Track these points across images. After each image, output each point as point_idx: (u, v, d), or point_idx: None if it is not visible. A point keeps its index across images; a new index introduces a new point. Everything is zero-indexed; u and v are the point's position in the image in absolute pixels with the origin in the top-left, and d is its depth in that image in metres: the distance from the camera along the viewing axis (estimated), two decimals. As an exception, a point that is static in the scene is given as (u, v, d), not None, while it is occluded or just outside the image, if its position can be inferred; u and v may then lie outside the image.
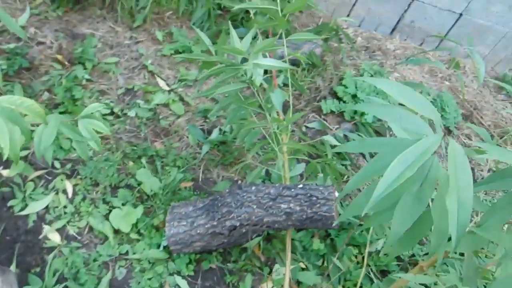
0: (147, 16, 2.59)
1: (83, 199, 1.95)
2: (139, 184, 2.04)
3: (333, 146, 2.41)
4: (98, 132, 2.07)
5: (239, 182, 1.78)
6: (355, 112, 2.54)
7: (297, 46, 2.70)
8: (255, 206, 1.64)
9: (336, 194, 1.65)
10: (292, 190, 1.66)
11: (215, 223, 1.71)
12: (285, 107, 2.59)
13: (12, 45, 2.30)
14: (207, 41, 1.81)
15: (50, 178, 1.98)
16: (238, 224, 1.66)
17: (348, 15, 3.03)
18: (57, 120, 1.35)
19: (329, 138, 2.20)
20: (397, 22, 3.05)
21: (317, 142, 2.38)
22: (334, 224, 1.60)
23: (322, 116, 2.56)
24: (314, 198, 1.61)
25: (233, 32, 1.71)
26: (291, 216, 1.62)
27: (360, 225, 1.91)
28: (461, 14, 2.93)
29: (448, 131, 2.72)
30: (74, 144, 1.44)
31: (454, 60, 1.75)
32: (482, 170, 2.61)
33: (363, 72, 2.70)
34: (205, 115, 2.37)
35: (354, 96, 2.57)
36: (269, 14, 1.90)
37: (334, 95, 2.61)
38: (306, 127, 2.50)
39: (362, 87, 2.59)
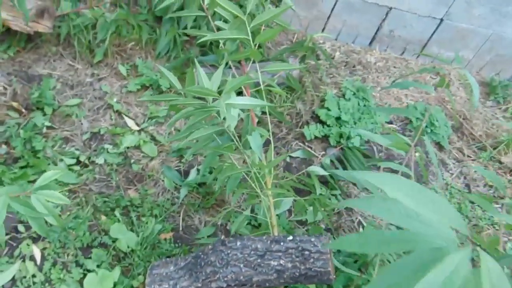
0: (108, 50, 2.49)
1: (54, 264, 1.85)
2: (114, 241, 1.94)
3: (320, 176, 2.35)
4: (64, 184, 1.97)
5: (222, 237, 1.69)
6: (341, 135, 2.48)
7: (273, 69, 2.63)
8: (242, 265, 1.56)
9: (330, 243, 1.57)
10: (282, 243, 1.58)
11: (199, 284, 1.62)
12: (266, 141, 2.52)
13: (-39, 96, 2.18)
14: (174, 80, 1.71)
15: (14, 244, 1.87)
16: (224, 285, 1.58)
17: (323, 29, 2.98)
18: (5, 199, 1.25)
19: (315, 169, 2.14)
20: (376, 32, 3.00)
21: (303, 175, 2.31)
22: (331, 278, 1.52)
23: (306, 143, 2.49)
24: (307, 253, 1.53)
25: (200, 71, 1.63)
26: (283, 274, 1.54)
27: None
28: (442, 20, 2.90)
29: (439, 147, 2.67)
30: (29, 220, 1.34)
31: (444, 82, 1.69)
32: (478, 186, 2.58)
33: (345, 90, 2.64)
34: (180, 154, 2.28)
35: (338, 119, 2.51)
36: (240, 40, 1.83)
37: (317, 118, 2.55)
38: (290, 156, 2.43)
39: (346, 107, 2.53)
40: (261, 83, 1.88)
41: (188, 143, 2.11)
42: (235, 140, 1.72)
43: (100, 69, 2.50)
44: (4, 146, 2.10)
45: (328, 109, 2.52)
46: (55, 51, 2.49)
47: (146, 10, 2.60)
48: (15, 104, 2.20)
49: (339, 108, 2.54)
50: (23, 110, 2.21)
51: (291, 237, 1.61)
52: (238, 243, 1.63)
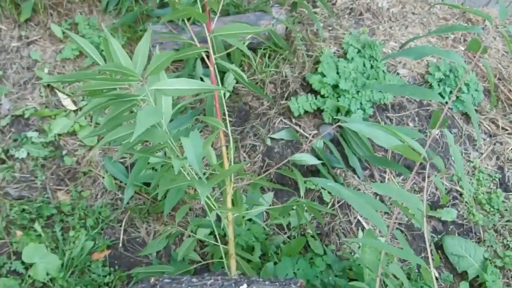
0: (38, 4, 1.95)
1: None
2: (30, 266, 1.50)
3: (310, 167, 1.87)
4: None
5: (152, 280, 1.25)
6: (338, 110, 1.94)
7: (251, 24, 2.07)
8: (172, 330, 1.11)
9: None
10: (230, 296, 1.12)
11: None
12: (242, 112, 2.01)
13: None
14: (92, 51, 1.21)
15: None
16: None
17: (322, -33, 2.36)
18: None
19: (302, 157, 1.64)
20: (390, -31, 2.38)
21: (287, 165, 1.83)
22: None
23: (294, 120, 1.97)
24: (263, 316, 1.07)
25: (113, 43, 1.14)
26: None
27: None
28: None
29: (466, 118, 2.12)
30: None
31: (478, 45, 1.15)
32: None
33: (347, 47, 2.07)
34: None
35: (335, 87, 1.96)
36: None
37: (308, 87, 2.00)
38: (272, 138, 1.92)
39: (346, 71, 1.97)
40: (213, 52, 1.37)
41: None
42: (170, 143, 1.23)
43: (30, 30, 1.98)
44: None
45: (323, 75, 1.97)
46: (-30, 8, 1.98)
47: (88, -50, 2.04)
48: None
49: (337, 73, 1.99)
50: None
51: (245, 285, 1.15)
52: (173, 292, 1.18)
